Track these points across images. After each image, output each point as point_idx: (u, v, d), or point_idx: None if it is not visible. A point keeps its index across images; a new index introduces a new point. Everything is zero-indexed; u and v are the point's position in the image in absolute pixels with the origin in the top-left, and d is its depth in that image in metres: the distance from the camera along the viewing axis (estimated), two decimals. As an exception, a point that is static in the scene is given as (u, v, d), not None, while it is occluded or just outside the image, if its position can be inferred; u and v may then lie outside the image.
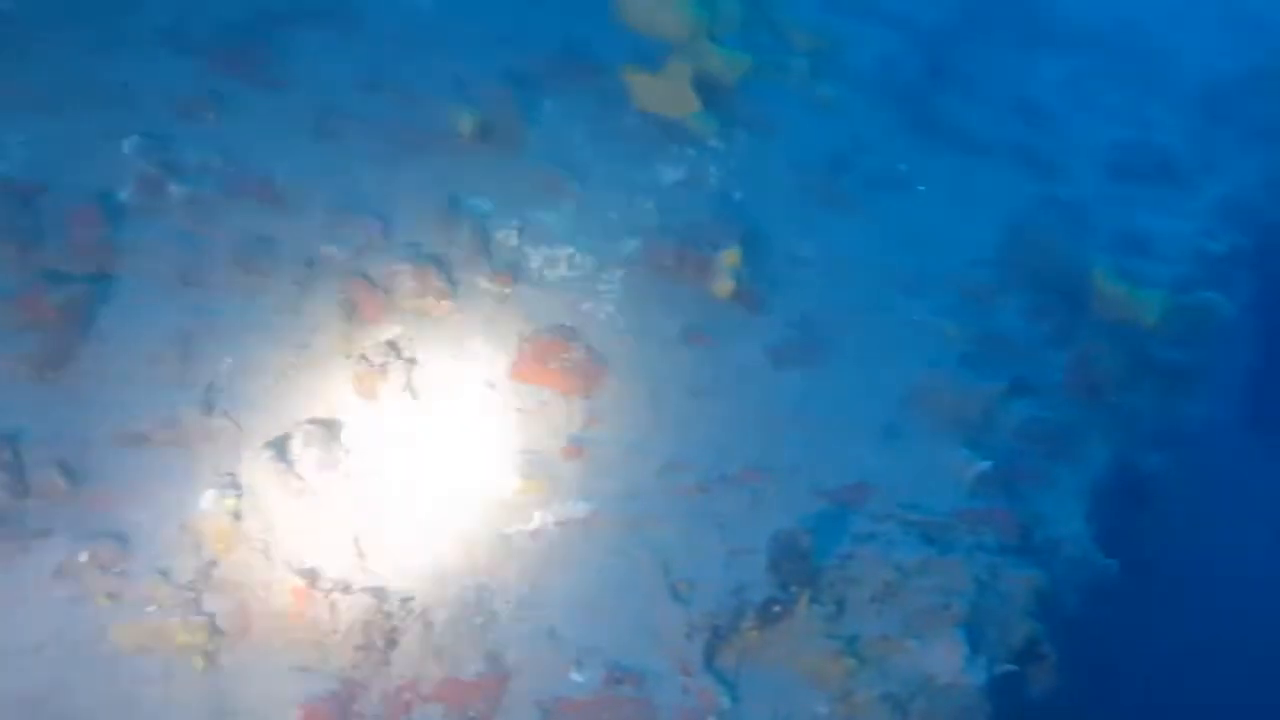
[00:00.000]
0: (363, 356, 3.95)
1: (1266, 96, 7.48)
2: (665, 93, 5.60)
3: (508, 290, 4.53)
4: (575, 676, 3.20)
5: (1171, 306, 4.94)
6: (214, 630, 3.11)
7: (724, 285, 4.70)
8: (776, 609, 3.38)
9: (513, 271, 4.59)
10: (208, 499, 3.32)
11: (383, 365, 3.96)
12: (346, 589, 3.25)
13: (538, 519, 3.74)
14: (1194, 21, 8.38)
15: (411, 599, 3.30)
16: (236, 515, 3.32)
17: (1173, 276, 5.36)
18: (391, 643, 3.20)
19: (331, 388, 3.88)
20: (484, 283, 4.52)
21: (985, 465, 4.14)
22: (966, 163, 6.15)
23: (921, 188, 5.83)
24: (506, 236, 4.72)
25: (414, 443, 3.81)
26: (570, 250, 4.75)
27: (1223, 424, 6.11)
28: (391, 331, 4.19)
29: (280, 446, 3.52)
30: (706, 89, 5.75)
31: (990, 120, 6.53)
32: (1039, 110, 6.69)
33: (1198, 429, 5.09)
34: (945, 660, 3.35)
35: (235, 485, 3.40)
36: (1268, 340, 9.23)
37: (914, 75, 6.70)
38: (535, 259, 4.70)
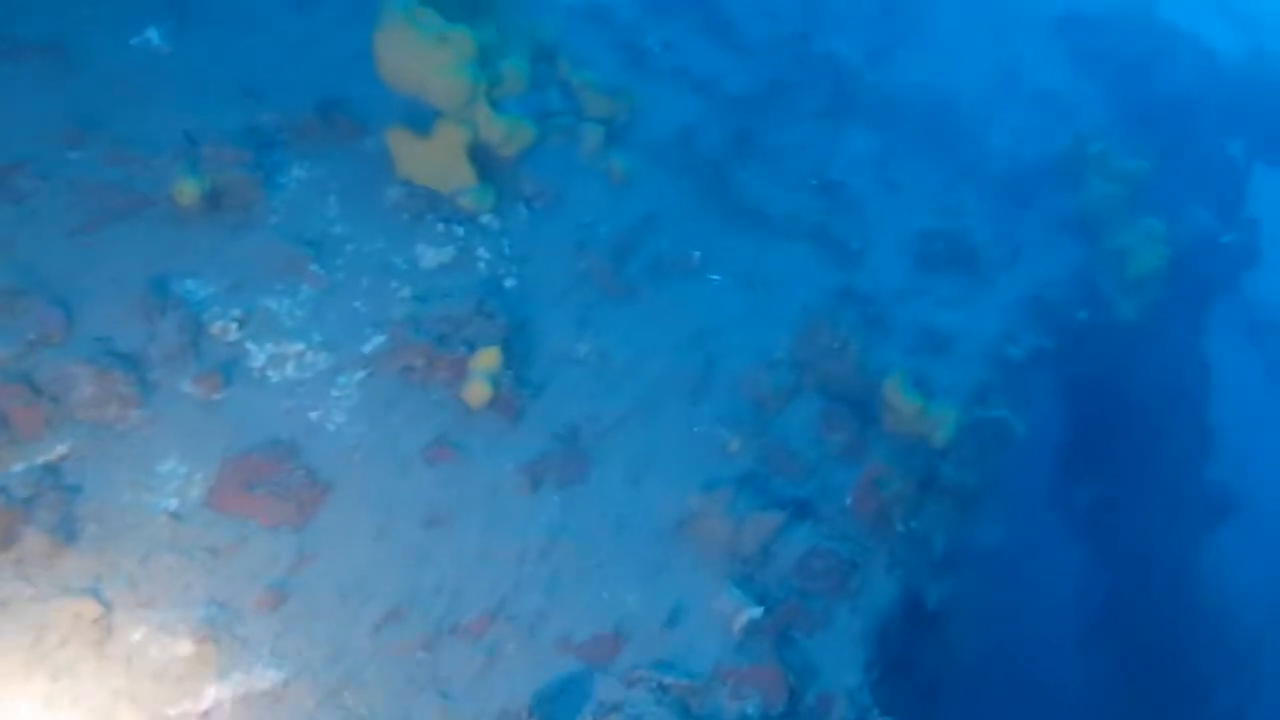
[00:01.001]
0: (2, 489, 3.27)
1: (1071, 183, 7.59)
2: (435, 161, 5.11)
3: (217, 396, 3.92)
4: None
5: (964, 425, 4.75)
6: None
7: (478, 391, 4.22)
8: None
9: (226, 372, 3.98)
10: None
11: (29, 499, 3.29)
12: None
13: (211, 695, 3.14)
14: (1005, 101, 8.49)
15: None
16: None
17: (971, 384, 5.20)
18: None
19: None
20: (187, 386, 3.90)
21: (756, 612, 3.79)
22: (764, 248, 5.90)
23: (715, 277, 5.51)
24: (224, 329, 4.11)
25: (56, 600, 3.15)
26: (301, 347, 4.18)
27: (1011, 543, 6.06)
28: (53, 451, 3.52)
29: None
30: (483, 158, 5.31)
31: (792, 201, 6.31)
32: (843, 191, 6.53)
33: (987, 551, 4.93)
34: None
35: None
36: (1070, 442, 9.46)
37: (716, 147, 6.44)
38: (257, 357, 4.11)
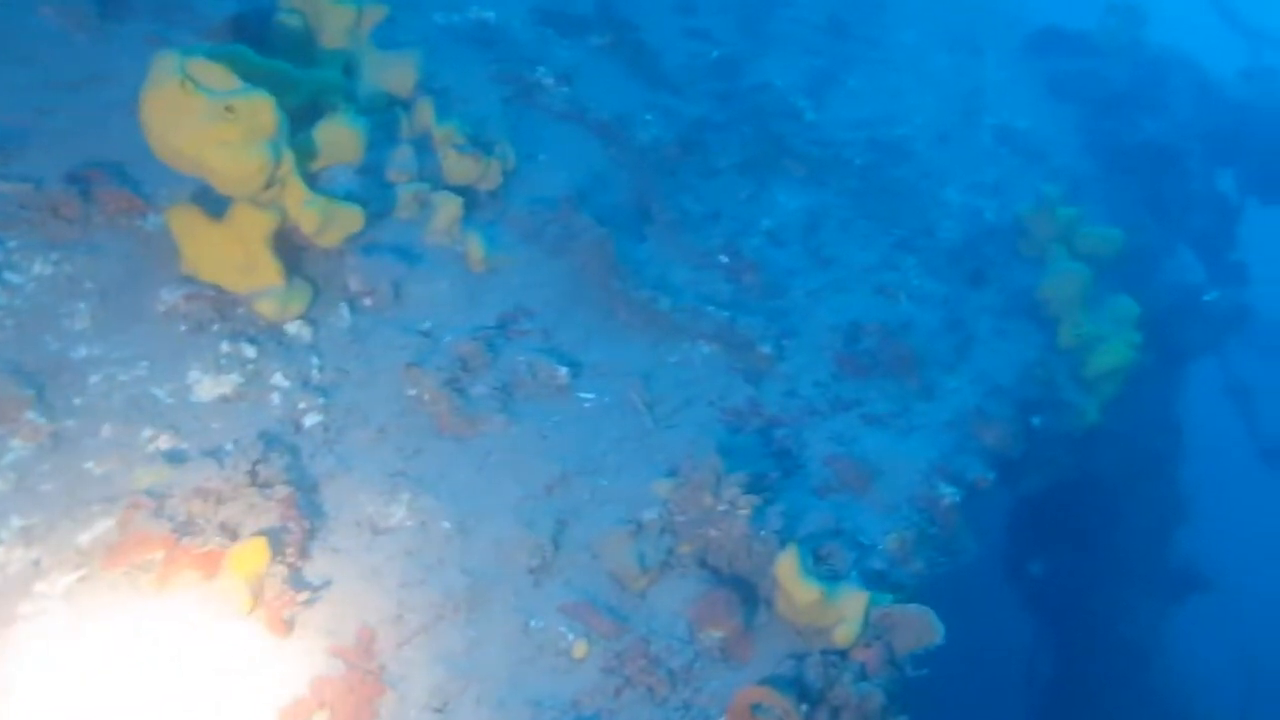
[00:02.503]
0: None
1: (1034, 253, 6.79)
2: (228, 254, 4.19)
3: None
4: None
5: (875, 618, 3.94)
6: None
7: (233, 600, 3.33)
8: None
9: (-124, 583, 3.07)
10: None
11: None
12: None
13: None
14: (965, 144, 7.65)
15: None
16: None
17: (886, 557, 4.39)
18: None
19: None
20: None
21: None
22: (657, 352, 5.04)
23: (587, 396, 4.65)
24: (-117, 515, 3.19)
25: None
26: (-5, 535, 3.27)
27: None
28: None
29: None
30: (296, 247, 4.40)
31: (699, 285, 5.46)
32: (762, 270, 5.67)
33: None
34: None
35: None
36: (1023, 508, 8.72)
37: (612, 214, 5.54)
38: (-76, 555, 3.20)
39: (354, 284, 4.51)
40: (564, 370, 4.61)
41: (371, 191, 4.79)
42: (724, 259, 5.66)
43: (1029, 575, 10.12)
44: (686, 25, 7.13)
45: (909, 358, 5.57)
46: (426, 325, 4.56)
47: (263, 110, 3.98)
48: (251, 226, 4.17)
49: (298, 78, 4.77)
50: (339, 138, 4.60)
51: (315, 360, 4.20)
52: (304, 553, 3.55)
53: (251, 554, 3.36)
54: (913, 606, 3.99)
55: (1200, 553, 10.08)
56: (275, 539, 3.43)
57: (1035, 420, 6.02)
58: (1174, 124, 9.09)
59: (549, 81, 6.07)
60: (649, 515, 4.17)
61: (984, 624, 10.31)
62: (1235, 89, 10.86)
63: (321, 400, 4.09)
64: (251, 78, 4.35)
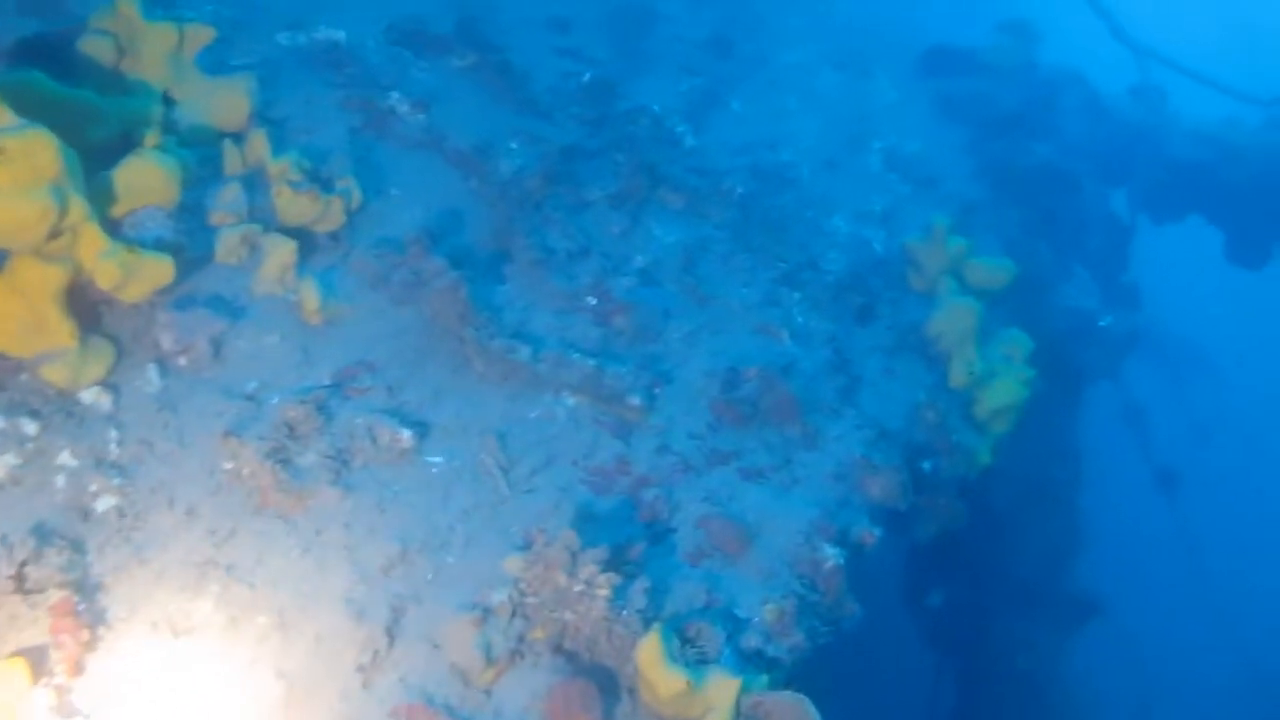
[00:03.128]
0: None
1: (923, 286, 6.65)
2: (10, 312, 3.74)
3: None
4: None
5: (746, 708, 3.67)
6: None
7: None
8: None
9: None
10: None
11: None
12: None
13: None
14: (853, 169, 7.50)
15: None
16: None
17: (763, 630, 4.13)
18: None
19: None
20: None
21: None
22: (516, 407, 4.71)
23: (434, 460, 4.30)
24: None
25: None
26: None
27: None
28: None
29: None
30: (94, 306, 3.98)
31: (564, 330, 5.15)
32: (633, 312, 5.38)
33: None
34: None
35: None
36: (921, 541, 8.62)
37: (468, 254, 5.22)
38: None
39: (166, 342, 4.10)
40: (408, 433, 4.26)
41: (191, 236, 4.38)
42: (592, 300, 5.36)
43: (927, 608, 10.04)
44: (558, 44, 6.84)
45: (791, 403, 5.34)
46: (251, 386, 4.16)
47: (40, 150, 3.56)
48: (35, 281, 3.75)
49: (104, 108, 4.37)
50: (147, 177, 4.19)
51: (114, 433, 3.78)
52: (79, 670, 3.13)
53: (3, 680, 2.93)
54: (787, 695, 3.73)
55: (1097, 579, 10.13)
56: (40, 657, 3.01)
57: (926, 465, 5.85)
58: (1065, 145, 9.11)
59: (404, 108, 5.71)
60: (498, 598, 3.83)
61: (880, 660, 10.22)
62: (1125, 107, 11.01)
63: (118, 480, 3.67)
64: (47, 108, 3.96)
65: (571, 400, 4.90)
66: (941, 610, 9.92)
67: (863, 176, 7.43)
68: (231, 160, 4.80)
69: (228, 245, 4.47)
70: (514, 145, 5.94)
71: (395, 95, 5.72)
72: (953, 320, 6.25)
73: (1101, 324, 8.90)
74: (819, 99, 7.86)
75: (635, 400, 4.98)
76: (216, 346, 4.18)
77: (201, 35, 4.87)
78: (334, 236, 4.87)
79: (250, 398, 4.10)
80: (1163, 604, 14.95)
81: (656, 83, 7.04)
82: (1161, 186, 10.90)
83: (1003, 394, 6.30)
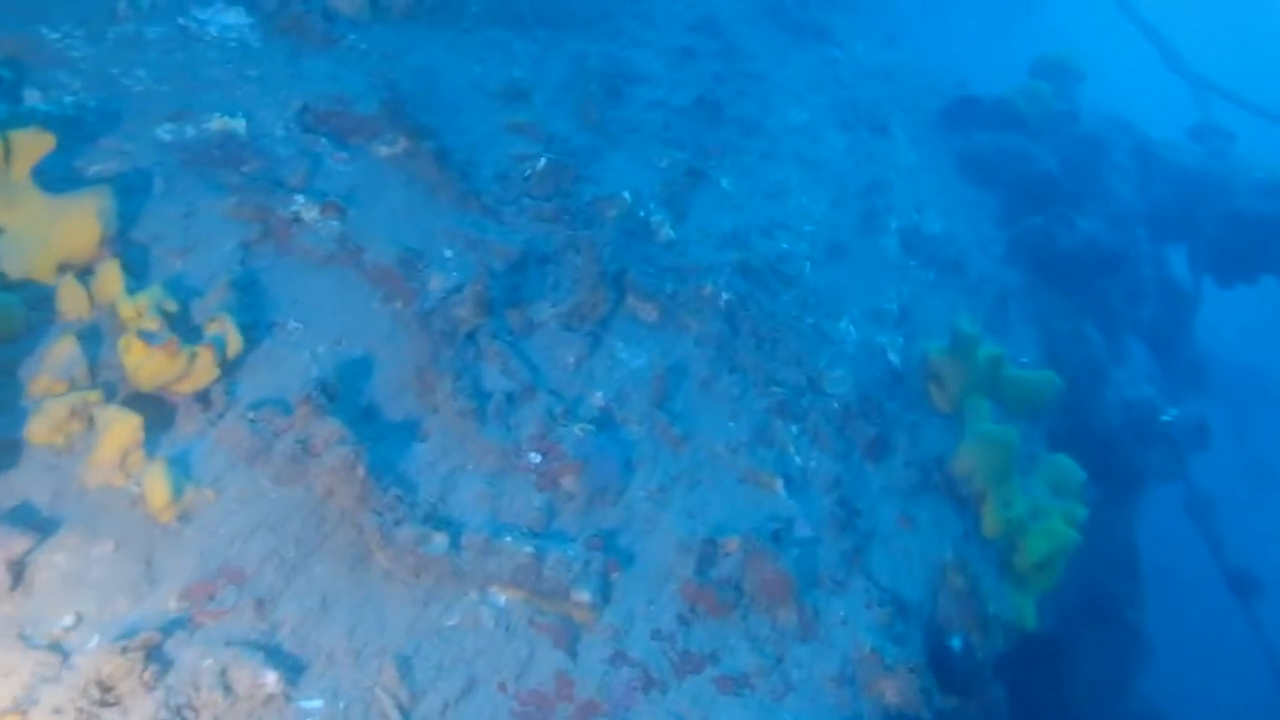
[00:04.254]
0: None
1: (948, 405, 5.82)
2: None
3: None
4: None
5: None
6: None
7: None
8: None
9: None
10: None
11: None
12: None
13: None
14: (863, 257, 6.68)
15: None
16: None
17: None
18: None
19: None
20: None
21: None
22: (422, 616, 3.90)
23: (310, 706, 3.48)
24: None
25: None
26: None
27: None
28: None
29: None
30: None
31: (497, 501, 4.35)
32: (586, 473, 4.58)
33: None
34: None
35: None
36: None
37: (383, 416, 4.43)
38: None
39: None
40: (273, 675, 3.44)
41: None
42: (535, 457, 4.56)
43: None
44: (511, 118, 6.05)
45: (784, 582, 4.52)
46: (64, 624, 3.37)
47: None
48: None
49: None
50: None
51: None
52: None
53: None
54: None
55: (1164, 702, 9.23)
56: None
57: (955, 643, 5.01)
58: (1114, 209, 8.26)
59: (311, 213, 4.95)
60: None
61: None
62: (1183, 154, 10.16)
63: None
64: None
65: (502, 598, 4.09)
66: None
67: (877, 264, 6.60)
68: (71, 302, 4.03)
69: (50, 421, 3.69)
70: (449, 253, 5.17)
71: (301, 199, 4.94)
72: (985, 454, 5.42)
73: (1164, 419, 8.03)
74: (825, 168, 7.05)
75: (583, 595, 4.17)
76: (17, 572, 3.39)
77: (37, 145, 4.13)
78: (202, 398, 4.08)
79: (55, 645, 3.30)
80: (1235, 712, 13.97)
81: (629, 160, 6.25)
82: (1226, 243, 10.02)
83: (1047, 541, 5.47)
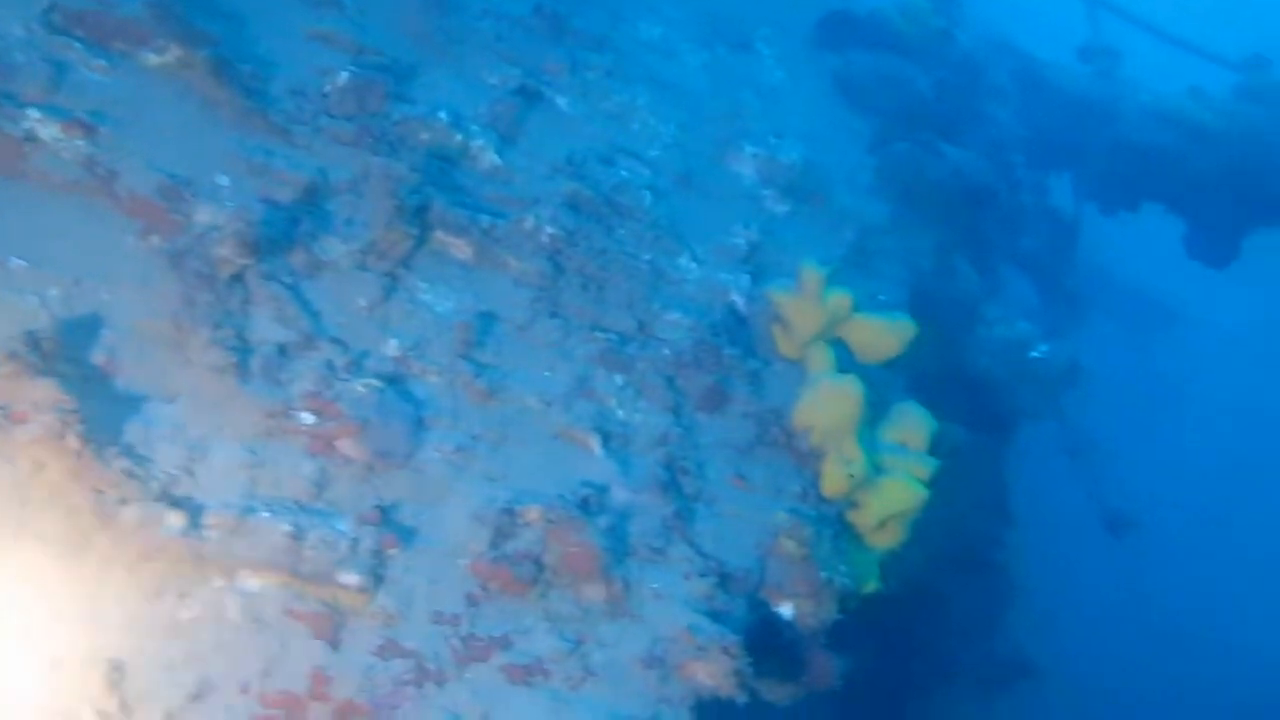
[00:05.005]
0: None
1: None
2: None
3: None
4: None
5: None
6: None
7: None
8: None
9: None
10: None
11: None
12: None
13: None
14: (716, 180, 6.20)
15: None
16: None
17: None
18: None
19: None
20: None
21: None
22: (151, 612, 3.39)
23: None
24: None
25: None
26: None
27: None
28: None
29: None
30: None
31: (243, 492, 3.83)
32: (356, 451, 4.07)
33: None
34: None
35: None
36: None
37: (125, 370, 3.85)
38: None
39: None
40: None
41: None
42: (307, 418, 4.04)
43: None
44: (314, 26, 5.38)
45: (590, 554, 4.11)
46: None
47: None
48: None
49: None
50: None
51: None
52: None
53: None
54: None
55: (1033, 641, 9.16)
56: None
57: (786, 612, 4.67)
58: (989, 137, 7.89)
59: (50, 132, 4.29)
60: None
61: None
62: (1068, 76, 9.82)
63: None
64: None
65: (256, 584, 3.60)
66: (851, 688, 8.92)
67: (728, 195, 6.11)
68: None
69: None
70: (224, 181, 4.56)
71: (35, 114, 4.27)
72: (826, 405, 5.04)
73: (1034, 355, 7.78)
74: (678, 88, 6.50)
75: (351, 577, 3.71)
76: None
77: None
78: (-118, 358, 3.47)
79: None
80: (1105, 659, 14.22)
81: (453, 77, 5.63)
82: (1113, 173, 9.76)
83: (893, 498, 5.14)
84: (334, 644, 3.62)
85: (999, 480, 8.37)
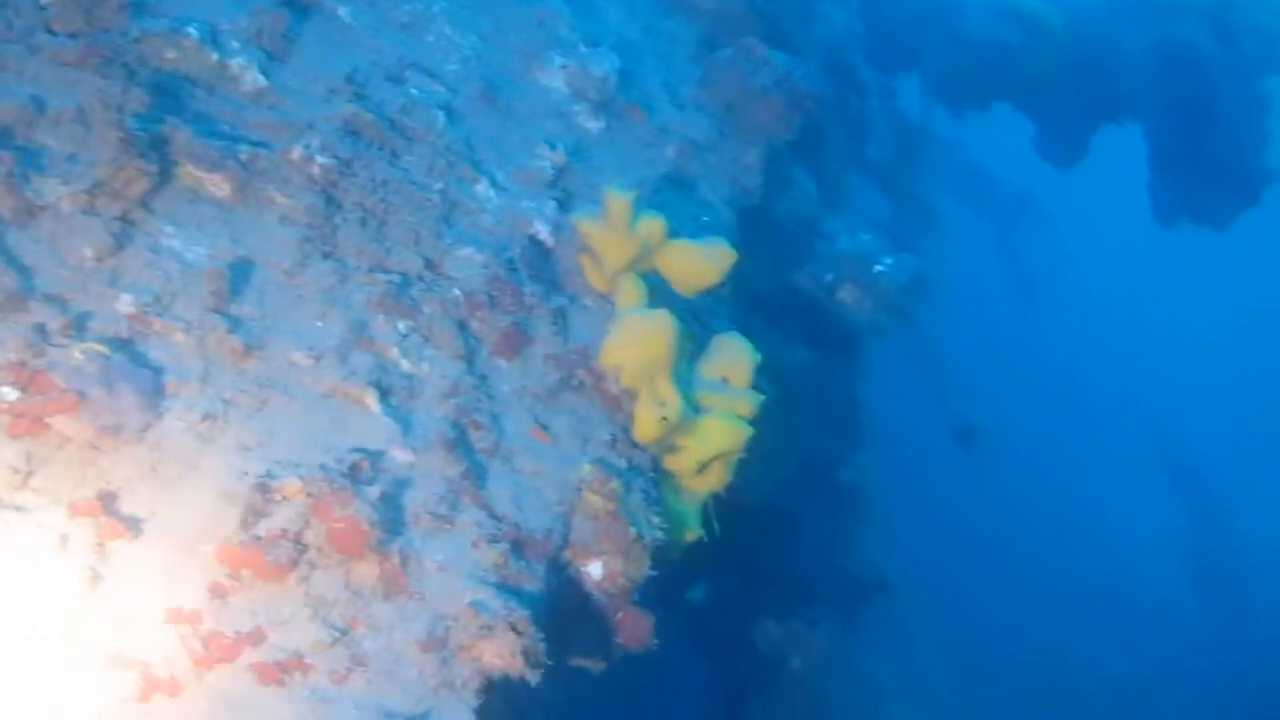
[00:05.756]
0: None
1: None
2: None
3: None
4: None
5: None
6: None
7: None
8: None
9: None
10: None
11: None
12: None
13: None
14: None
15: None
16: None
17: None
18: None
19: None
20: None
21: None
22: None
23: None
24: None
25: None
26: None
27: None
28: None
29: None
30: None
31: None
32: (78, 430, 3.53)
33: None
34: None
35: None
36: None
37: None
38: None
39: None
40: None
41: None
42: (8, 394, 3.47)
43: (688, 604, 8.82)
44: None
45: (358, 529, 3.66)
46: None
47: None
48: None
49: None
50: None
51: None
52: None
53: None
54: None
55: (883, 559, 9.08)
56: None
57: (595, 569, 4.31)
58: (823, 38, 7.48)
59: None
60: None
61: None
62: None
63: None
64: None
65: (-61, 596, 3.06)
66: (705, 611, 8.77)
67: (535, 113, 5.59)
68: None
69: None
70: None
71: None
72: (637, 343, 4.63)
73: (877, 269, 7.51)
74: (482, -9, 5.92)
75: (59, 580, 3.18)
76: None
77: None
78: None
79: None
80: (961, 571, 14.45)
81: (211, -16, 4.97)
82: (959, 73, 9.46)
83: (713, 439, 4.79)
84: (40, 675, 3.12)
85: (847, 398, 8.16)
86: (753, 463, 7.42)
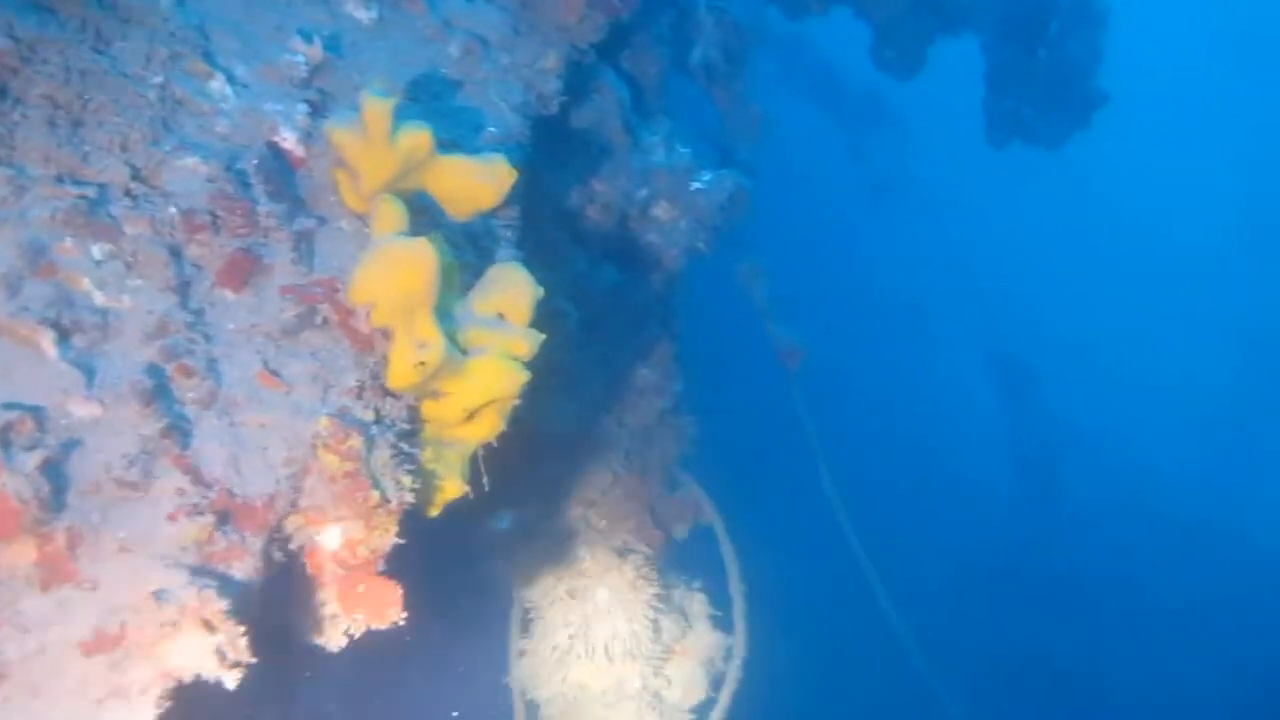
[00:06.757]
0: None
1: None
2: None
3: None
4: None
5: None
6: None
7: None
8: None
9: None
10: None
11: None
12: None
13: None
14: None
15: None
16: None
17: None
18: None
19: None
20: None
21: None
22: None
23: None
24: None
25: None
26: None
27: None
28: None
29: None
30: None
31: None
32: None
33: None
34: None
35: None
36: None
37: None
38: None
39: None
40: None
41: None
42: None
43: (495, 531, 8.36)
44: None
45: (9, 505, 2.98)
46: None
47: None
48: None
49: None
50: None
51: None
52: None
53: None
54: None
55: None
56: None
57: (329, 543, 3.72)
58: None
59: None
60: None
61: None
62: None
63: None
64: None
65: None
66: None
67: (291, -4, 4.79)
68: None
69: None
70: None
71: None
72: (392, 274, 3.97)
73: (695, 185, 6.97)
74: None
75: None
76: None
77: None
78: None
79: None
80: (785, 487, 14.41)
81: None
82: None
83: (483, 384, 4.21)
84: None
85: (662, 320, 7.67)
86: (559, 390, 6.85)
